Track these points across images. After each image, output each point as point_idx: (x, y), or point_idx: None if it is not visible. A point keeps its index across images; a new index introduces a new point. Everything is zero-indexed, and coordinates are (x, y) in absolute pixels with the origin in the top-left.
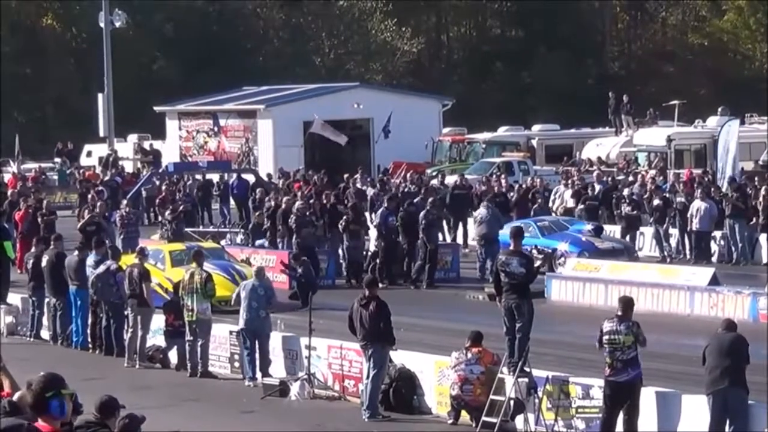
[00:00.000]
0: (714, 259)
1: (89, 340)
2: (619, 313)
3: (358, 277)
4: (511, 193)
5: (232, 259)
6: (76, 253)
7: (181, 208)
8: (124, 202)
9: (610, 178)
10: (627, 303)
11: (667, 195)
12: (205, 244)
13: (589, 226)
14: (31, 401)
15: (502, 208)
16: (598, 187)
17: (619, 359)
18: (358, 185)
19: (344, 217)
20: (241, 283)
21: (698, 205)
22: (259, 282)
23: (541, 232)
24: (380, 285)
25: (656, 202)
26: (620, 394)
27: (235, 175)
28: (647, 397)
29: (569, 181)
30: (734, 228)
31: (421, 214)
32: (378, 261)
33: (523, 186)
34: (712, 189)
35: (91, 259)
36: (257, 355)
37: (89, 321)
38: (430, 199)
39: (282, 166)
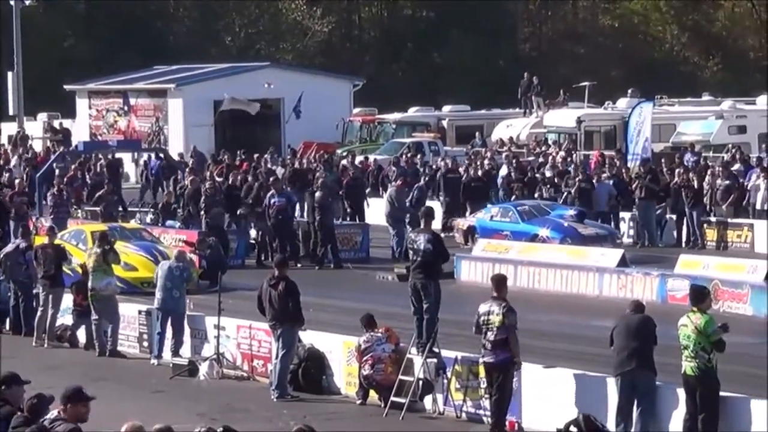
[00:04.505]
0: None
1: None
2: (494, 294)
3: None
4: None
5: (155, 239)
6: None
7: (99, 193)
8: (55, 182)
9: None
10: (499, 281)
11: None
12: (127, 225)
13: (571, 212)
14: None
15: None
16: (506, 169)
17: (489, 339)
18: (269, 165)
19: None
20: (160, 263)
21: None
22: (176, 263)
23: (521, 216)
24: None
25: (584, 185)
26: (492, 376)
27: (146, 155)
28: (562, 379)
29: (477, 164)
30: (644, 210)
31: (317, 195)
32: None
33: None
34: (623, 170)
35: None
36: (167, 335)
37: None
38: (320, 181)
39: (195, 144)
